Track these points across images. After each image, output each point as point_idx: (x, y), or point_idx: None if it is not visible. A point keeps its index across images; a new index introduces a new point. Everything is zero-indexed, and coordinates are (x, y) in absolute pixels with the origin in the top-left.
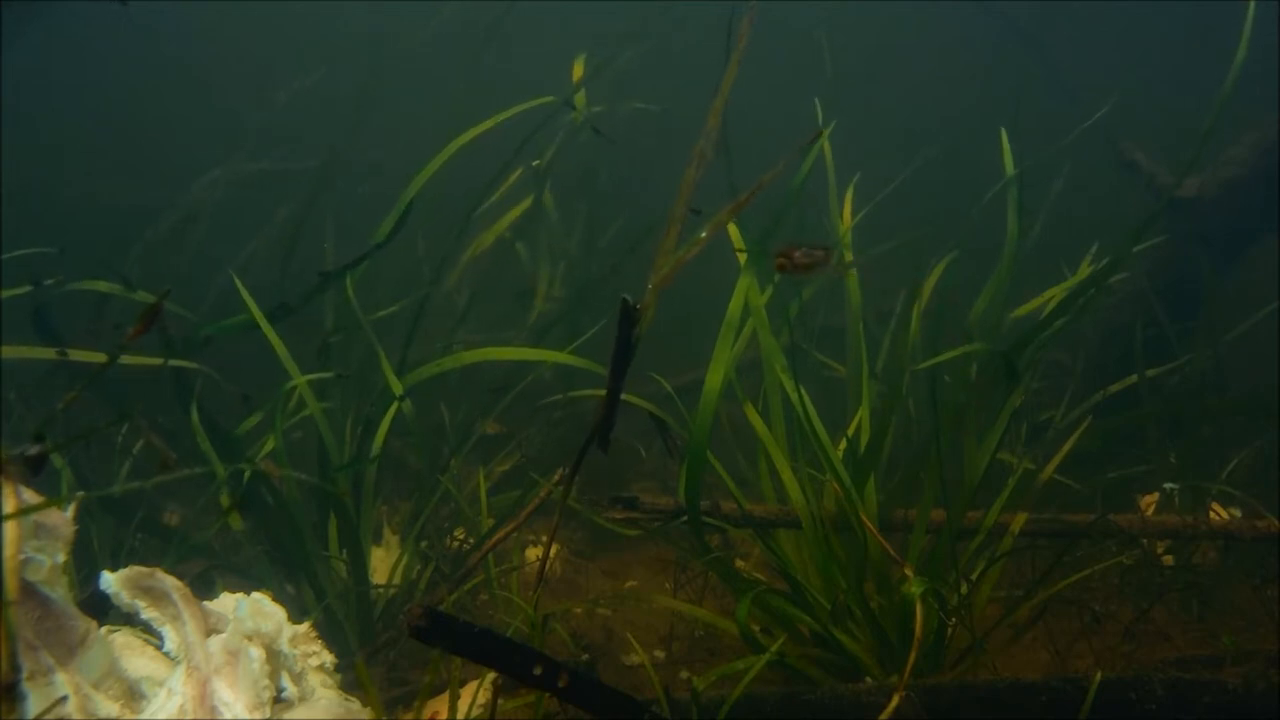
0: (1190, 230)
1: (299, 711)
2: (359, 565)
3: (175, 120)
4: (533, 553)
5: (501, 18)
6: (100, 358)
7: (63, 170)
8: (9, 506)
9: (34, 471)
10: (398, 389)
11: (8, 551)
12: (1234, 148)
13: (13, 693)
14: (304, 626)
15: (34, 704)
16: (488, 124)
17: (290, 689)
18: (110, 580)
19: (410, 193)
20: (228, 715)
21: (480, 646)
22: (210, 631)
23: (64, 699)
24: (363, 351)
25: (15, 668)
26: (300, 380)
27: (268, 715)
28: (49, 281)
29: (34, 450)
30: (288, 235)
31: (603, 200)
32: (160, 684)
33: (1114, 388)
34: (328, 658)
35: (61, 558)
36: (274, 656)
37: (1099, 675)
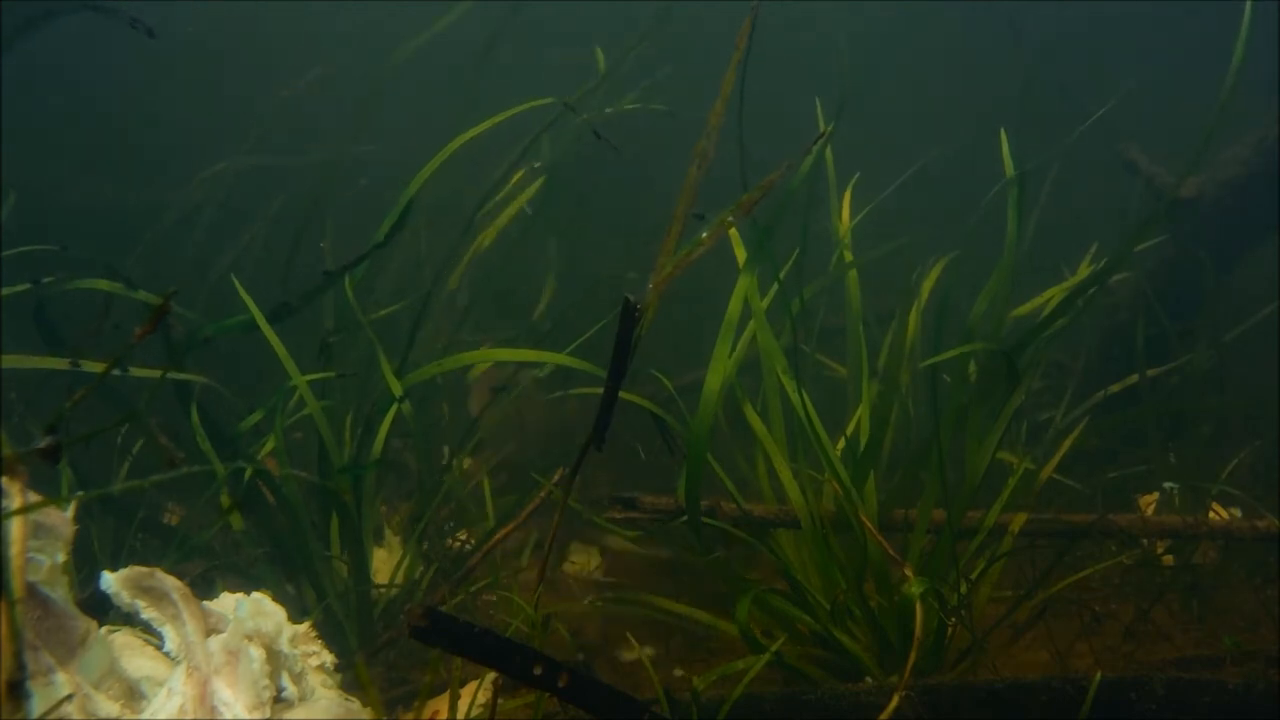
0: (1190, 230)
1: (299, 711)
2: (360, 565)
3: (178, 120)
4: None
5: (513, 15)
6: (105, 365)
7: (65, 169)
8: (16, 505)
9: (50, 462)
10: (397, 389)
11: (14, 549)
12: (1234, 147)
13: (18, 691)
14: (304, 626)
15: (36, 704)
16: (487, 124)
17: (290, 689)
18: (110, 580)
19: (409, 192)
20: (228, 715)
21: (481, 646)
22: (210, 631)
23: (69, 698)
24: (364, 351)
25: (21, 666)
26: (300, 380)
27: (268, 715)
28: (47, 279)
29: (46, 442)
30: (291, 232)
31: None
32: (160, 684)
33: (1114, 388)
34: (328, 658)
35: (61, 557)
36: (274, 656)
37: (1099, 675)
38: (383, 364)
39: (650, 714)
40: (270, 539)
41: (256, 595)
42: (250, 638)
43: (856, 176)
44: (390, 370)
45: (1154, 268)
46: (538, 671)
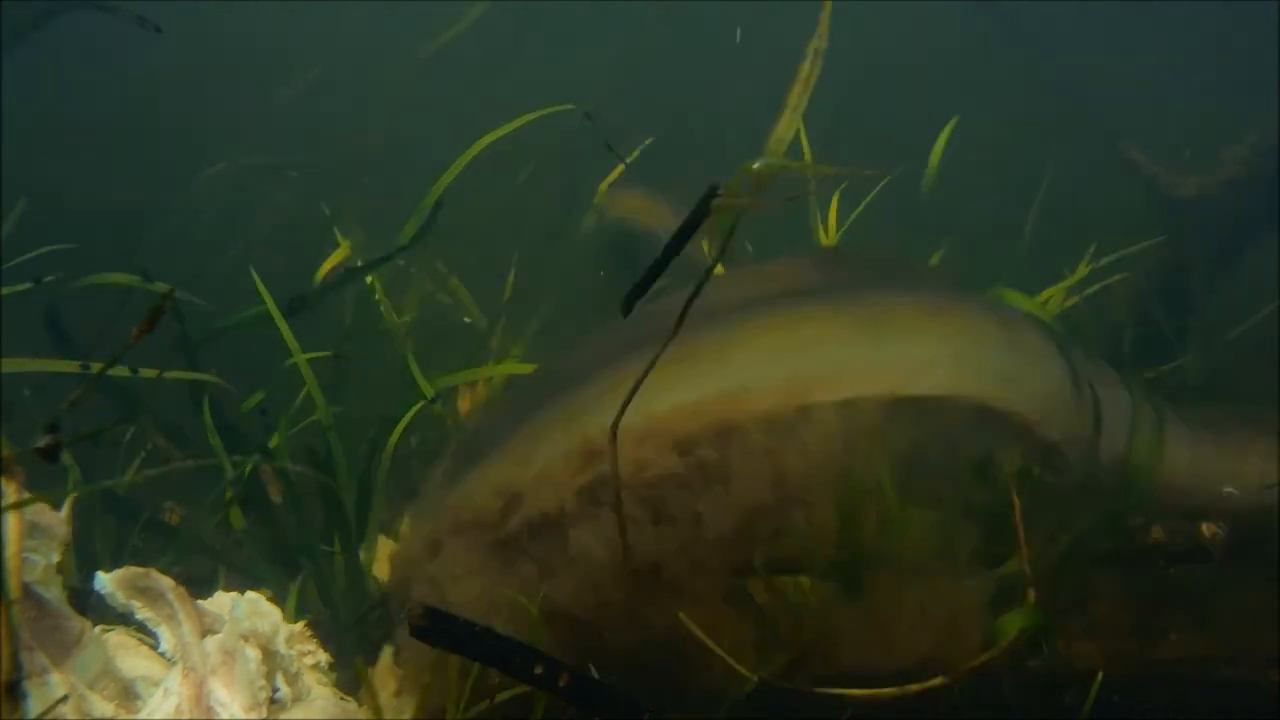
0: (1190, 230)
1: (295, 712)
2: (356, 564)
3: (179, 120)
4: None
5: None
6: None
7: (65, 170)
8: (10, 503)
9: (50, 460)
10: (428, 391)
11: (11, 549)
12: (1234, 147)
13: (15, 691)
14: (299, 625)
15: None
16: (506, 128)
17: (285, 690)
18: (105, 580)
19: (433, 194)
20: (224, 715)
21: (481, 645)
22: (206, 631)
23: (65, 698)
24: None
25: (18, 666)
26: (307, 372)
27: (264, 715)
28: (48, 278)
29: (46, 440)
30: (294, 232)
31: None
32: (156, 684)
33: None
34: (323, 656)
35: (56, 558)
36: (270, 657)
37: (1099, 675)
38: (412, 365)
39: (651, 714)
40: (272, 536)
41: (253, 595)
42: (246, 638)
43: (844, 185)
44: (418, 370)
45: (1154, 268)
46: (538, 671)
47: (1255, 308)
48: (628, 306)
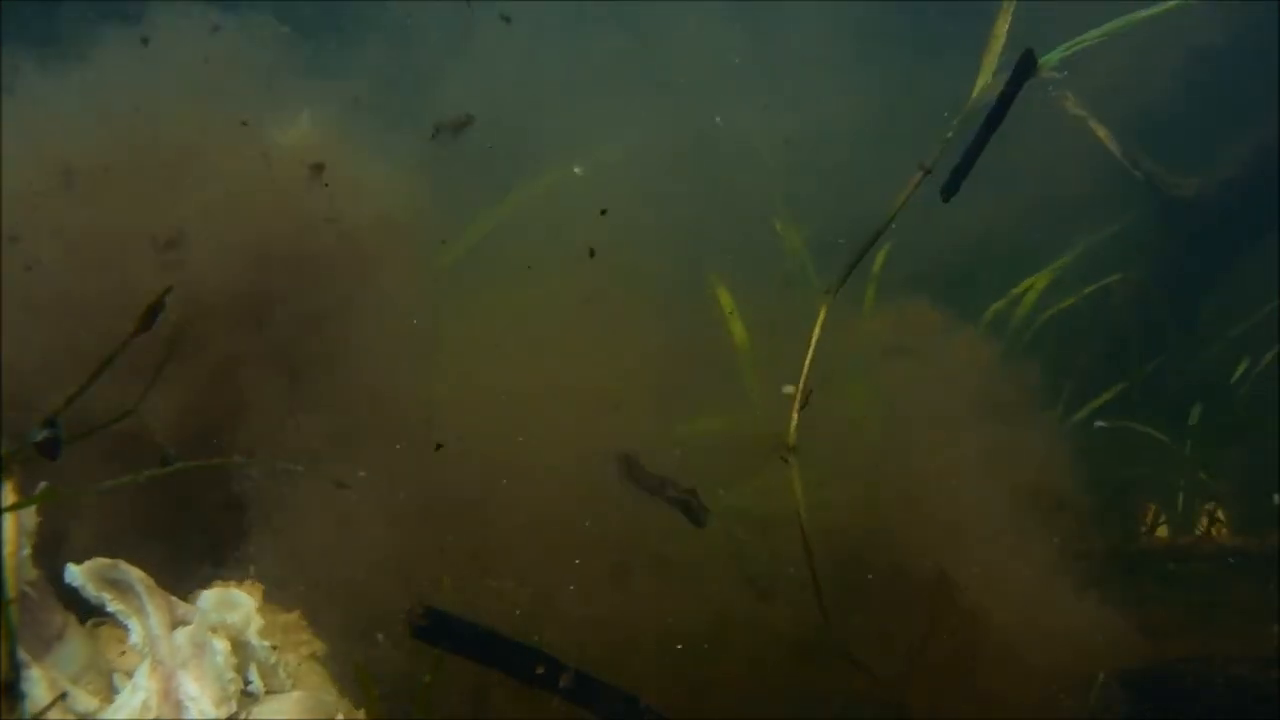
0: (1190, 229)
1: (268, 704)
2: None
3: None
4: None
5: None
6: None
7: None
8: (9, 503)
9: (49, 456)
10: None
11: (9, 549)
12: (1234, 147)
13: (13, 691)
14: (294, 615)
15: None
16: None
17: (259, 682)
18: (75, 573)
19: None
20: (193, 709)
21: (482, 646)
22: (178, 623)
23: (64, 695)
24: None
25: (16, 665)
26: None
27: (234, 709)
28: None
29: (44, 435)
30: None
31: None
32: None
33: (1112, 389)
34: (318, 645)
35: (26, 550)
36: (241, 648)
37: (1100, 676)
38: None
39: (650, 713)
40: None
41: (224, 587)
42: (215, 630)
43: None
44: None
45: (1154, 267)
46: (539, 671)
47: (1256, 307)
48: (949, 191)
